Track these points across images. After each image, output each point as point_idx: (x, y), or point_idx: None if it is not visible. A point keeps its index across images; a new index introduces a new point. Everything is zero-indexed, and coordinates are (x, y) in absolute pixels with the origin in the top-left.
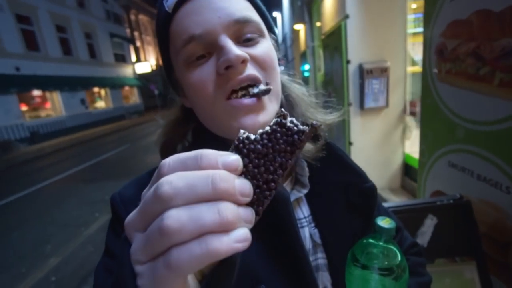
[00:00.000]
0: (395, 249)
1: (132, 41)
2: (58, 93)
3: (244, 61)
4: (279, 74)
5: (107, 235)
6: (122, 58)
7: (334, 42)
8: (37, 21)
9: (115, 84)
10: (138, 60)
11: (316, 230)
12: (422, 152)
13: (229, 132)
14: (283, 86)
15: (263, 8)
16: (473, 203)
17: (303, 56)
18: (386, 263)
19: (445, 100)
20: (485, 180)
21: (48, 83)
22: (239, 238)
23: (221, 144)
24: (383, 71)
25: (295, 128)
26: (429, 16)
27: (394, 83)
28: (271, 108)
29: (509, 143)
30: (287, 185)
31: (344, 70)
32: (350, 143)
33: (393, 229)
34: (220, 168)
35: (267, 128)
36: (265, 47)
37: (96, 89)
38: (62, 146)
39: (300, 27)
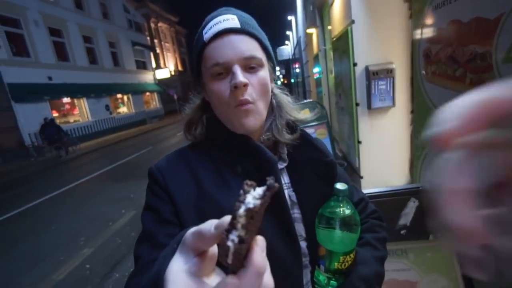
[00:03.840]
0: (349, 205)
1: (152, 48)
2: (85, 99)
3: (245, 85)
4: (269, 93)
5: (147, 195)
6: (143, 65)
7: (342, 45)
8: (67, 33)
9: (136, 90)
10: (158, 66)
11: (293, 193)
12: (416, 146)
13: (234, 125)
14: (275, 95)
15: (267, 45)
16: None
17: (316, 59)
18: (342, 214)
19: (432, 98)
20: None
21: (76, 91)
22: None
23: (227, 130)
24: (389, 72)
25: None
26: (416, 22)
27: (400, 84)
28: (262, 114)
29: None
30: None
31: (351, 72)
32: (359, 142)
33: (346, 190)
34: None
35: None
36: (261, 75)
37: (119, 95)
38: (89, 149)
39: (312, 30)
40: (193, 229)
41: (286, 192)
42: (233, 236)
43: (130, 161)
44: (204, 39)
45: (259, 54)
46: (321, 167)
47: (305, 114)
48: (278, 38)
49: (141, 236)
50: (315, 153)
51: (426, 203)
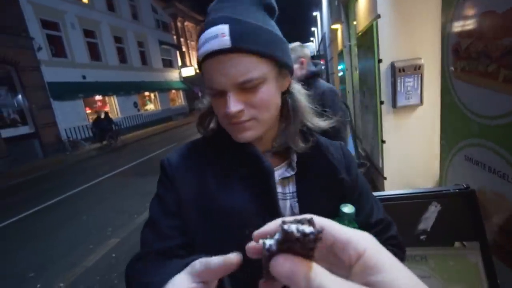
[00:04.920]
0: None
1: (178, 47)
2: (115, 97)
3: (240, 111)
4: (274, 105)
5: (157, 185)
6: (170, 63)
7: (367, 41)
8: (100, 34)
9: (163, 88)
10: (184, 64)
11: (296, 204)
12: (442, 147)
13: (232, 136)
14: (293, 95)
15: (271, 53)
16: (486, 194)
17: (340, 56)
18: None
19: (461, 97)
20: (495, 172)
21: (107, 89)
22: None
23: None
24: (416, 69)
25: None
26: (446, 15)
27: (429, 80)
28: (264, 125)
29: (511, 136)
30: (282, 166)
31: (376, 69)
32: (383, 141)
33: (352, 214)
34: None
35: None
36: (262, 91)
37: (146, 93)
38: (119, 144)
39: (337, 26)
40: (204, 259)
41: (288, 202)
42: (268, 241)
43: (155, 157)
44: (198, 55)
45: (257, 71)
46: (331, 183)
47: (320, 120)
48: (303, 34)
49: (148, 221)
50: (328, 167)
51: (448, 208)
